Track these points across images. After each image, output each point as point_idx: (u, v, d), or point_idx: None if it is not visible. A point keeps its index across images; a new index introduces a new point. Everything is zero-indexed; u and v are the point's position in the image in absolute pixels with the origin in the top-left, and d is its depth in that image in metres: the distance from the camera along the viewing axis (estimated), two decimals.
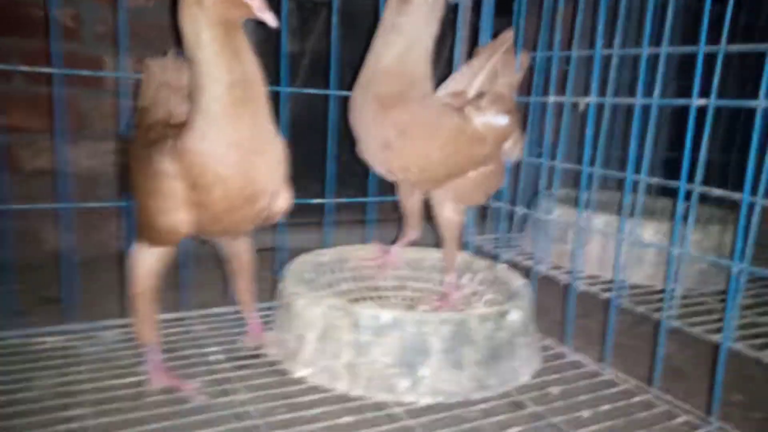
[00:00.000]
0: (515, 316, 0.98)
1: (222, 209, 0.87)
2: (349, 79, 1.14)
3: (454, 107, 1.09)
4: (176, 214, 0.86)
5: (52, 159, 1.17)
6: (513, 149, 1.15)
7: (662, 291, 1.05)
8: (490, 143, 1.09)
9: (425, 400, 0.90)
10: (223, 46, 0.81)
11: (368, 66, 1.08)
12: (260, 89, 0.86)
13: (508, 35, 1.15)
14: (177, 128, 0.92)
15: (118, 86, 1.14)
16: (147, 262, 0.91)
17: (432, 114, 1.07)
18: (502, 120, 1.08)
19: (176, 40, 0.85)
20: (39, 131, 1.63)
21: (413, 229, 1.24)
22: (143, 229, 0.91)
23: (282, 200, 0.94)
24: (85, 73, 1.26)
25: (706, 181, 0.99)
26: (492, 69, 1.13)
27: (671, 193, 1.03)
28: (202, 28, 0.80)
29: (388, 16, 1.06)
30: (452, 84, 1.16)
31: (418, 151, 1.06)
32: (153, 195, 0.87)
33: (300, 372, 0.94)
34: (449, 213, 1.15)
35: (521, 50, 1.18)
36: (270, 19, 0.84)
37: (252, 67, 0.85)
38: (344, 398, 0.90)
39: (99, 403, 0.87)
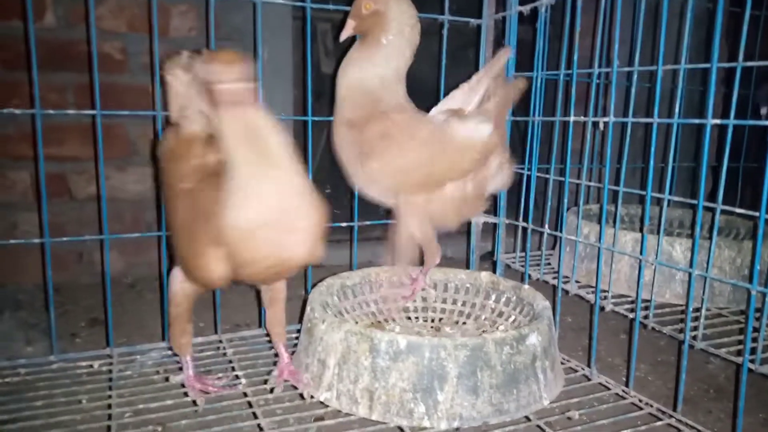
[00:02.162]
0: (534, 339, 0.98)
1: (255, 277, 0.93)
2: None
3: (436, 119, 1.09)
4: (214, 269, 0.88)
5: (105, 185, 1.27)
6: (499, 173, 1.13)
7: (693, 310, 1.02)
8: (470, 154, 1.06)
9: (442, 425, 0.91)
10: (236, 131, 0.81)
11: (336, 95, 1.11)
12: (287, 165, 0.84)
13: (504, 52, 1.14)
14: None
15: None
16: (184, 288, 0.97)
17: (406, 120, 1.07)
18: (484, 129, 1.06)
19: None
20: (91, 159, 1.74)
21: (433, 256, 1.21)
22: (181, 264, 0.95)
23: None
24: (124, 113, 1.34)
25: (743, 192, 0.97)
26: (489, 87, 1.12)
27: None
28: (215, 113, 0.82)
29: (350, 52, 1.10)
30: (449, 101, 1.15)
31: (392, 155, 1.05)
32: (192, 242, 0.89)
33: (322, 396, 0.97)
34: (411, 227, 1.12)
35: (514, 72, 1.18)
36: None
37: (275, 143, 0.83)
38: (363, 422, 0.93)
39: (136, 426, 0.93)
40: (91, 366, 1.11)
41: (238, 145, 0.82)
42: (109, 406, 0.97)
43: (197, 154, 0.94)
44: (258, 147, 0.82)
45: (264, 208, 0.84)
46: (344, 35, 1.10)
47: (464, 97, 1.14)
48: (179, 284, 0.97)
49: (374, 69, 1.07)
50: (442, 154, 1.06)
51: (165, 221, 1.02)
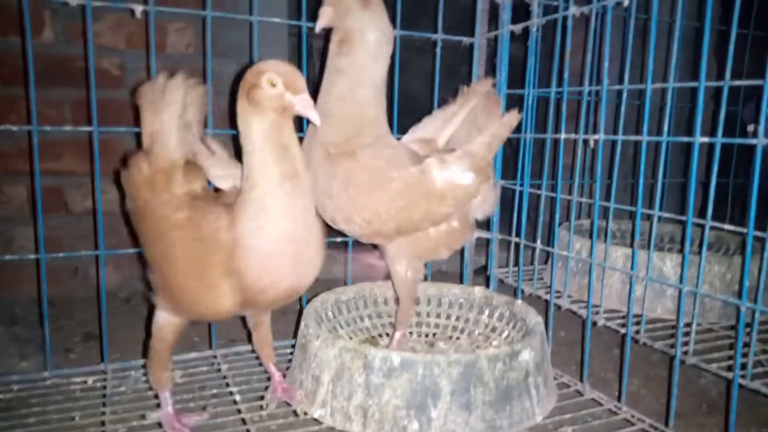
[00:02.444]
0: (527, 355, 0.99)
1: (266, 304, 0.90)
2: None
3: (414, 156, 1.03)
4: (225, 301, 0.84)
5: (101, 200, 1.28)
6: (482, 205, 1.10)
7: (684, 325, 1.03)
8: (450, 202, 1.00)
9: None
10: (270, 141, 0.82)
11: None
12: (308, 183, 0.87)
13: (486, 82, 1.12)
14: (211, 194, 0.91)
15: None
16: (171, 327, 0.93)
17: (382, 163, 0.99)
18: (465, 178, 0.99)
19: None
20: (88, 174, 1.74)
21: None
22: (176, 303, 0.89)
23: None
24: (121, 129, 1.35)
25: (734, 207, 0.98)
26: (468, 117, 1.09)
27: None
28: (252, 122, 0.82)
29: (330, 60, 1.01)
30: (422, 130, 1.13)
31: (363, 203, 0.98)
32: (197, 275, 0.84)
33: (316, 413, 0.97)
34: (402, 269, 1.08)
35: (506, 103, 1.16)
36: (314, 118, 0.85)
37: (300, 161, 0.85)
38: None
39: None
40: (85, 382, 1.12)
41: (271, 159, 0.82)
42: (103, 423, 0.97)
43: (180, 182, 0.88)
44: (288, 162, 0.83)
45: (292, 225, 0.83)
46: (321, 25, 1.01)
47: (439, 126, 1.12)
48: (165, 323, 0.92)
49: (365, 72, 0.99)
50: (418, 204, 0.99)
51: (144, 254, 0.95)
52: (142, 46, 1.77)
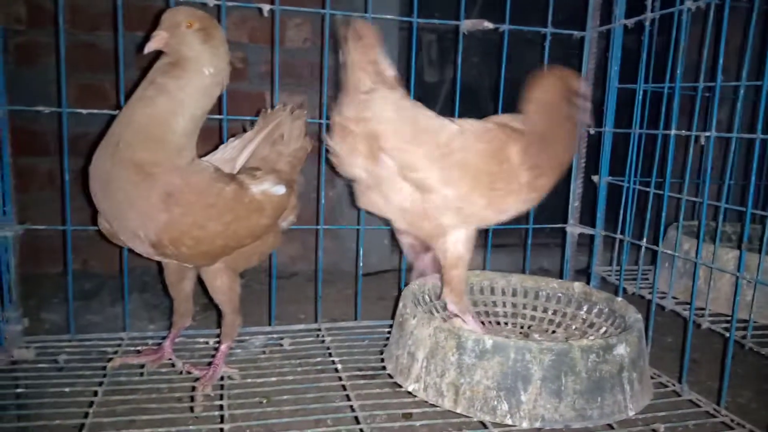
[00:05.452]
0: (622, 350, 0.99)
1: None
2: (487, 106, 1.19)
3: (224, 174, 1.03)
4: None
5: None
6: (288, 215, 1.16)
7: None
8: (269, 213, 1.05)
9: (524, 425, 0.94)
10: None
11: (120, 123, 0.96)
12: None
13: (282, 110, 1.15)
14: None
15: None
16: (472, 242, 1.10)
17: (205, 179, 0.98)
18: (279, 190, 1.07)
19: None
20: None
21: (184, 317, 1.17)
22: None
23: None
24: (247, 118, 1.46)
25: None
26: (268, 138, 1.12)
27: None
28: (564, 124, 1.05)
29: (152, 74, 0.96)
30: (219, 154, 1.13)
31: (193, 221, 0.96)
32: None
33: (410, 386, 1.03)
34: (225, 281, 1.09)
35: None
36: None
37: None
38: (448, 414, 0.98)
39: (245, 396, 1.04)
40: (207, 342, 1.25)
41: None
42: (222, 378, 1.08)
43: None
44: None
45: None
46: (150, 48, 0.94)
47: (236, 150, 1.12)
48: (472, 234, 1.09)
49: (191, 102, 0.96)
50: (243, 218, 1.01)
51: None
52: (263, 41, 1.91)
